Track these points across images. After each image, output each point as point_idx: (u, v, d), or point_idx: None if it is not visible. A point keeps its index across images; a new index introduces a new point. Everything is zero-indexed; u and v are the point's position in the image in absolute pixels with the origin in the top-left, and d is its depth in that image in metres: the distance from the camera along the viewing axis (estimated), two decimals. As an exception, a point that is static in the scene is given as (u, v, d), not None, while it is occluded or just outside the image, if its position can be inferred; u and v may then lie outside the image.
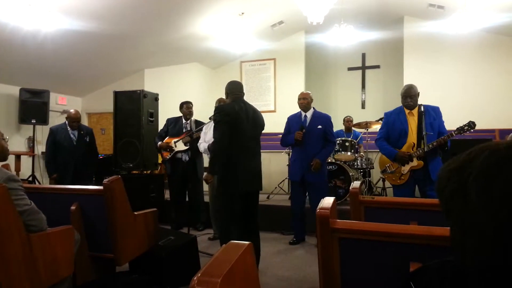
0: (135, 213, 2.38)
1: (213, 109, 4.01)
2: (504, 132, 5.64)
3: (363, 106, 7.50)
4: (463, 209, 0.56)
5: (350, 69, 7.60)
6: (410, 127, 3.12)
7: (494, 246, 0.52)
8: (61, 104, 6.91)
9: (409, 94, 3.12)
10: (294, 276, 2.90)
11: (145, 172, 4.68)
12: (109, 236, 2.21)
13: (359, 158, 4.90)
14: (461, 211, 0.57)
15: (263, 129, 2.97)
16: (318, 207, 1.20)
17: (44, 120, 5.94)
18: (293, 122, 3.85)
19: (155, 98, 4.80)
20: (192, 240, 2.87)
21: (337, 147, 4.76)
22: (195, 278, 0.60)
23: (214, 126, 2.76)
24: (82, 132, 4.43)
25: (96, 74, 6.67)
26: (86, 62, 6.02)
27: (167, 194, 4.64)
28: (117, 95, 4.65)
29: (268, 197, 5.05)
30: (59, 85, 6.53)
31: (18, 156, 5.69)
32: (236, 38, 5.96)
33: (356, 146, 4.87)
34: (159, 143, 4.30)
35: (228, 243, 0.73)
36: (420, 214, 1.70)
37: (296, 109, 3.89)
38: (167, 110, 5.00)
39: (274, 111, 7.29)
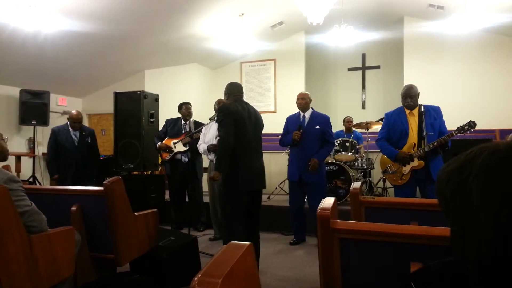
0: (136, 213, 2.38)
1: (212, 109, 4.04)
2: (504, 132, 5.64)
3: (363, 107, 7.49)
4: (463, 209, 0.56)
5: (350, 69, 7.60)
6: (411, 127, 3.12)
7: (494, 246, 0.52)
8: (62, 105, 6.91)
9: (409, 94, 3.12)
10: (295, 277, 2.90)
11: (145, 172, 4.68)
12: (109, 236, 2.21)
13: (359, 159, 4.90)
14: (461, 211, 0.57)
15: (263, 129, 3.01)
16: (319, 207, 1.20)
17: (44, 121, 5.95)
18: (292, 122, 3.86)
19: (155, 98, 4.80)
20: (193, 241, 2.88)
21: (337, 147, 4.76)
22: (195, 278, 0.60)
23: (219, 125, 2.76)
24: (83, 133, 4.44)
25: (97, 75, 6.68)
26: (86, 63, 6.03)
27: (167, 195, 4.64)
28: (118, 96, 4.65)
29: (268, 198, 5.05)
30: (60, 86, 6.54)
31: (18, 157, 5.70)
32: (236, 38, 5.97)
33: (357, 147, 4.87)
34: (158, 144, 4.30)
35: (228, 244, 0.74)
36: (421, 214, 1.70)
37: (296, 109, 3.90)
38: (167, 111, 5.00)
39: (274, 112, 7.29)
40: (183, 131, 4.33)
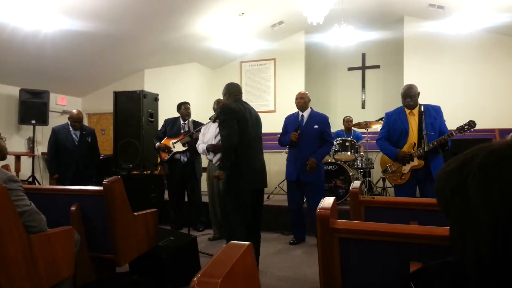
0: (135, 213, 2.38)
1: (212, 109, 4.03)
2: (504, 132, 5.64)
3: (363, 106, 7.49)
4: (463, 208, 0.56)
5: (350, 69, 7.60)
6: (411, 127, 3.13)
7: (494, 246, 0.52)
8: (61, 105, 6.91)
9: (409, 94, 3.12)
10: (294, 276, 2.90)
11: (145, 172, 4.68)
12: (109, 236, 2.21)
13: (359, 158, 4.90)
14: (461, 211, 0.57)
15: (262, 129, 3.04)
16: (318, 207, 1.20)
17: (44, 121, 5.94)
18: (290, 121, 3.87)
19: (155, 98, 4.80)
20: (192, 241, 2.87)
21: (337, 147, 4.76)
22: (195, 278, 0.60)
23: (221, 124, 2.76)
24: (84, 133, 4.44)
25: (96, 74, 6.68)
26: (86, 62, 6.02)
27: (167, 195, 4.64)
28: (117, 95, 4.65)
29: (268, 197, 5.05)
30: (59, 86, 6.53)
31: (18, 157, 5.70)
32: (236, 38, 5.96)
33: (356, 146, 4.87)
34: (157, 144, 4.29)
35: (228, 244, 0.73)
36: (421, 214, 1.70)
37: (296, 109, 3.90)
38: (167, 110, 5.00)
39: (274, 111, 7.29)
40: (182, 131, 4.33)
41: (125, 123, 4.57)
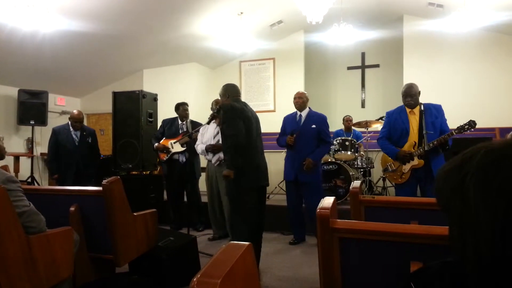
0: (135, 213, 2.37)
1: (210, 109, 4.03)
2: (504, 131, 5.64)
3: (363, 105, 7.49)
4: (462, 208, 0.56)
5: (349, 68, 7.59)
6: (411, 126, 3.13)
7: (493, 243, 0.52)
8: (60, 105, 6.89)
9: (410, 93, 3.12)
10: (294, 276, 2.90)
11: (144, 172, 4.67)
12: (108, 237, 2.21)
13: (359, 158, 4.90)
14: (460, 211, 0.57)
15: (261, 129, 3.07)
16: (318, 206, 1.20)
17: (43, 121, 5.93)
18: (289, 121, 3.88)
19: (154, 98, 4.79)
20: (192, 241, 2.87)
21: (337, 146, 4.76)
22: (194, 279, 0.59)
23: (225, 124, 2.74)
24: (84, 133, 4.44)
25: (95, 74, 6.66)
26: (84, 62, 6.01)
27: (166, 195, 4.63)
28: (116, 95, 4.64)
29: (268, 197, 5.04)
30: (58, 86, 6.52)
31: (17, 157, 5.69)
32: (235, 37, 5.96)
33: (356, 146, 4.87)
34: (156, 144, 4.29)
35: (228, 244, 0.73)
36: (421, 214, 1.70)
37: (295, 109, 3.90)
38: (166, 111, 4.99)
39: (273, 111, 7.28)
40: (180, 131, 4.32)
41: (124, 123, 4.56)
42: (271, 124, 5.59)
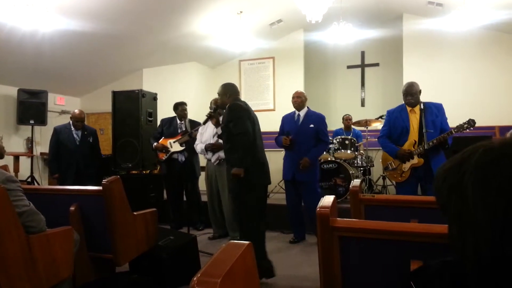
0: (135, 213, 2.37)
1: (209, 109, 4.02)
2: (504, 129, 5.64)
3: (362, 104, 7.48)
4: (460, 207, 0.56)
5: (349, 67, 7.58)
6: (412, 124, 3.13)
7: (492, 241, 0.52)
8: (60, 105, 6.89)
9: (410, 92, 3.12)
10: (294, 275, 2.90)
11: (144, 172, 4.67)
12: (108, 236, 2.21)
13: (359, 156, 4.90)
14: (458, 209, 0.57)
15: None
16: (318, 205, 1.19)
17: (42, 121, 5.92)
18: (287, 121, 3.89)
19: (154, 97, 4.79)
20: (192, 240, 2.87)
21: (336, 145, 4.76)
22: (194, 278, 0.59)
23: (235, 122, 2.72)
24: (85, 133, 4.44)
25: (94, 74, 6.66)
26: (84, 62, 6.00)
27: (166, 194, 4.63)
28: (116, 95, 4.64)
29: (268, 196, 5.04)
30: (57, 86, 6.51)
31: (16, 157, 5.68)
32: (235, 37, 5.95)
33: (356, 144, 4.87)
34: (155, 144, 4.29)
35: (227, 243, 0.73)
36: (421, 212, 1.70)
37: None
38: (166, 110, 4.99)
39: (273, 110, 7.27)
40: (179, 131, 4.32)
41: (124, 122, 4.56)
42: (271, 123, 5.58)
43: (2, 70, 5.50)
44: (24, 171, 5.86)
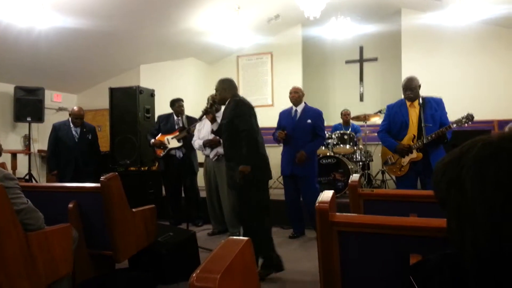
0: (133, 209, 2.37)
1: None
2: (502, 123, 5.65)
3: (361, 99, 7.47)
4: (459, 201, 0.57)
5: (347, 62, 7.56)
6: (411, 119, 3.13)
7: (490, 234, 0.52)
8: (57, 102, 6.85)
9: (410, 87, 3.12)
10: (294, 270, 2.91)
11: (142, 168, 4.66)
12: (107, 233, 2.20)
13: (358, 151, 4.90)
14: (457, 203, 0.57)
15: None
16: (318, 200, 1.19)
17: (39, 118, 5.90)
18: (284, 117, 3.90)
19: (151, 94, 4.77)
20: (192, 236, 2.88)
21: (335, 140, 4.76)
22: (194, 274, 0.59)
23: (241, 119, 2.69)
24: (84, 130, 4.42)
25: (91, 70, 6.62)
26: (81, 58, 5.97)
27: (164, 190, 4.63)
28: (113, 91, 4.62)
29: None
30: (54, 82, 6.48)
31: (14, 155, 5.66)
32: (233, 32, 5.92)
33: (355, 139, 4.87)
34: (152, 140, 4.28)
35: (226, 239, 0.73)
36: (420, 206, 1.70)
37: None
38: (164, 106, 4.97)
39: (271, 105, 7.25)
40: (176, 127, 4.31)
41: (121, 119, 4.55)
42: (269, 118, 5.57)
43: (-1, 67, 5.46)
44: (22, 169, 5.84)
